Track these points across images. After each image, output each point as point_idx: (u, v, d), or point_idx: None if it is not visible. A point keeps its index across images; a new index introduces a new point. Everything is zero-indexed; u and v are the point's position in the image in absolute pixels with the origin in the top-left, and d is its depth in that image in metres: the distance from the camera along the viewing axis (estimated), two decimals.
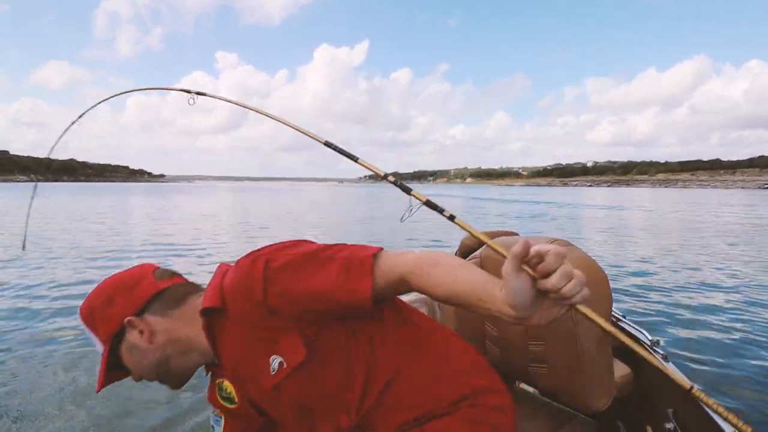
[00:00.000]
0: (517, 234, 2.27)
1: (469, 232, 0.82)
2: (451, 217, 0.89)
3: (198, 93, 1.30)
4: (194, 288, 0.90)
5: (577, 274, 0.61)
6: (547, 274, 0.60)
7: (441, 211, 0.91)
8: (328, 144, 1.06)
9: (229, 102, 1.32)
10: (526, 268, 0.60)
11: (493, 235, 2.30)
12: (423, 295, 1.81)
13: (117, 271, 0.90)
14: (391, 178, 1.01)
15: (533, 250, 0.59)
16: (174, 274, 0.91)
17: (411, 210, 0.96)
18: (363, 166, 0.98)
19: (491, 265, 1.47)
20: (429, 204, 0.94)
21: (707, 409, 1.31)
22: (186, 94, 1.33)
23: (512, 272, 0.61)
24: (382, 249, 0.78)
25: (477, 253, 1.56)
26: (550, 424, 1.34)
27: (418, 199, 0.95)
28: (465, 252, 2.45)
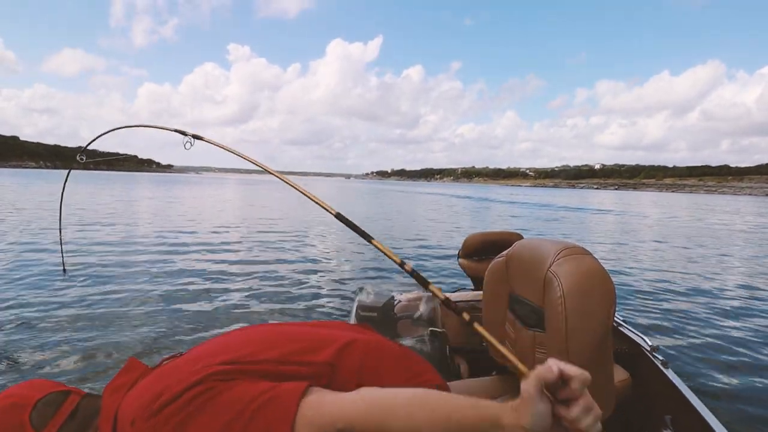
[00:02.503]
0: (521, 236, 2.15)
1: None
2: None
3: (194, 136, 1.24)
4: (88, 416, 0.77)
5: (596, 410, 0.56)
6: (568, 401, 0.56)
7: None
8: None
9: (224, 149, 1.28)
10: (546, 392, 0.57)
11: (497, 235, 2.39)
12: (423, 293, 1.87)
13: None
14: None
15: (558, 370, 0.55)
16: (59, 404, 0.75)
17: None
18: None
19: (514, 266, 1.45)
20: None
21: (705, 416, 1.32)
22: (182, 136, 1.28)
23: (536, 395, 0.56)
24: (307, 388, 0.67)
25: (505, 252, 1.52)
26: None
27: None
28: (468, 252, 2.42)
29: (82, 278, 5.55)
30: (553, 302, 1.19)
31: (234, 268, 6.63)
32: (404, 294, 1.94)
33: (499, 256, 1.54)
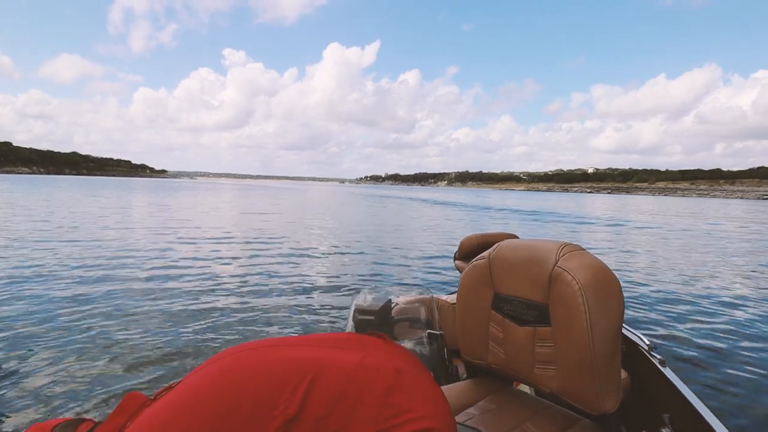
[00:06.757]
0: (517, 237, 2.19)
1: None
2: None
3: None
4: None
5: None
6: None
7: None
8: None
9: None
10: None
11: (494, 237, 2.36)
12: (421, 296, 1.91)
13: None
14: None
15: None
16: (75, 426, 0.77)
17: None
18: None
19: (499, 266, 1.43)
20: None
21: (703, 414, 1.33)
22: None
23: None
24: None
25: (485, 253, 1.51)
26: (555, 425, 1.33)
27: None
28: (465, 254, 2.41)
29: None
30: (567, 296, 1.21)
31: (228, 273, 6.67)
32: (401, 296, 1.98)
33: (477, 258, 1.53)
